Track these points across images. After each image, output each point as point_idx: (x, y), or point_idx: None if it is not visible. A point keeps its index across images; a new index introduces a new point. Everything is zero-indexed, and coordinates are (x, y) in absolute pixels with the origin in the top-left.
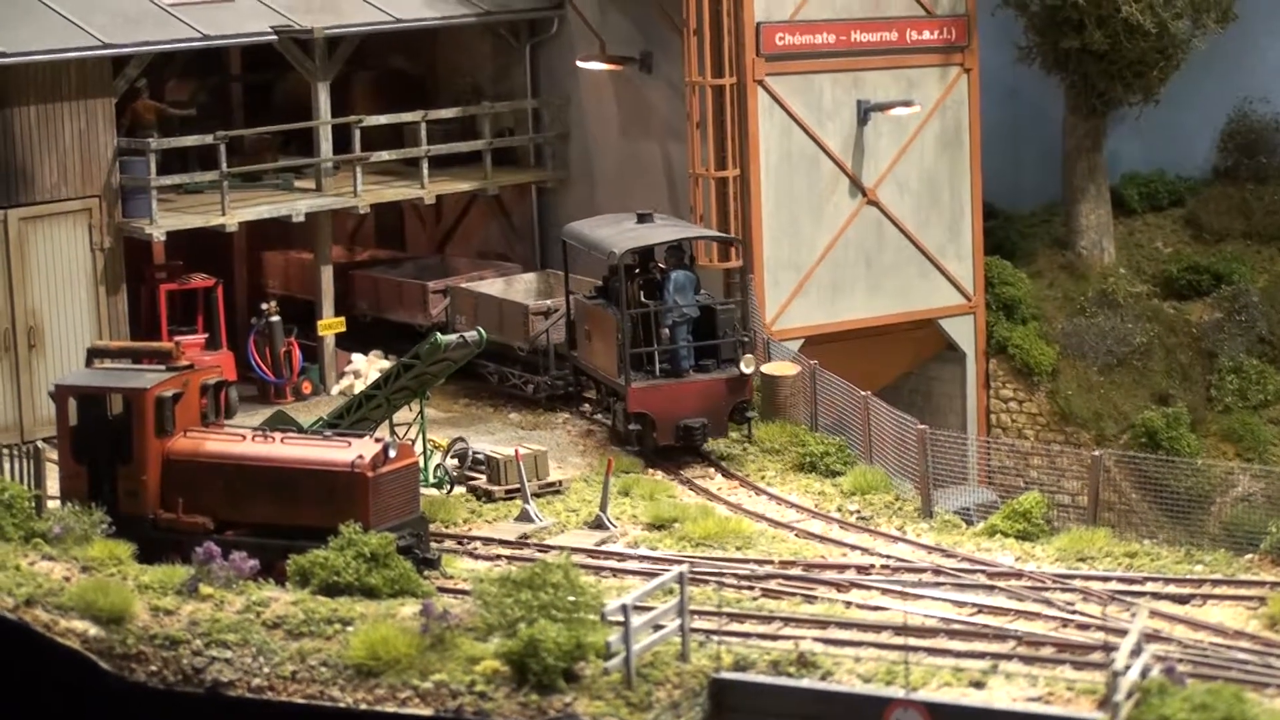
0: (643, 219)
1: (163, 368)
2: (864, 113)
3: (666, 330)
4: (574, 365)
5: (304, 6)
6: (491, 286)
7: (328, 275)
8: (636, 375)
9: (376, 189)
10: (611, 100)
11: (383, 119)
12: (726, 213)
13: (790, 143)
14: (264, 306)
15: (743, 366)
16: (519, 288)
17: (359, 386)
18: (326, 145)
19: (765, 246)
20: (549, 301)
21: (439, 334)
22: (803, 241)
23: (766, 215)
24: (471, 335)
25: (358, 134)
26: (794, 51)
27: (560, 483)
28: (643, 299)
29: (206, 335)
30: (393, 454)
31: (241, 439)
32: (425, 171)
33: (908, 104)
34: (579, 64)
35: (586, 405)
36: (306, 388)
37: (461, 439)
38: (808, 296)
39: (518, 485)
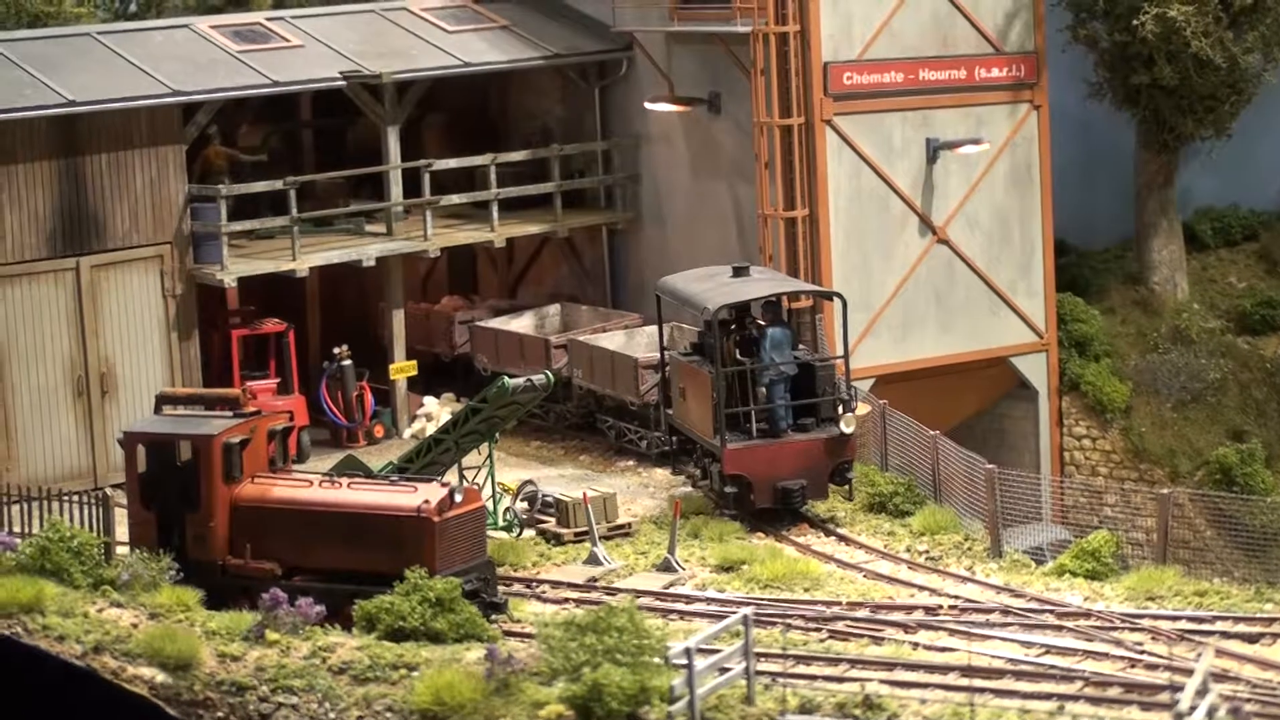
0: (738, 272)
1: (230, 414)
2: (933, 151)
3: (763, 389)
4: (669, 424)
5: (374, 52)
6: (611, 340)
7: (399, 319)
8: (732, 435)
9: (447, 232)
10: (681, 141)
11: (453, 162)
12: (795, 253)
13: (859, 182)
14: (336, 351)
15: (843, 426)
16: (639, 340)
17: (431, 429)
18: (397, 189)
19: (836, 286)
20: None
21: (506, 378)
22: (873, 281)
23: (836, 255)
24: (539, 379)
25: (427, 178)
26: (862, 91)
27: (629, 525)
28: (739, 356)
29: (279, 380)
30: (459, 498)
31: (308, 484)
32: (495, 214)
33: (977, 142)
34: (647, 105)
35: (693, 467)
36: (379, 431)
37: (530, 482)
38: (878, 336)
39: (586, 528)
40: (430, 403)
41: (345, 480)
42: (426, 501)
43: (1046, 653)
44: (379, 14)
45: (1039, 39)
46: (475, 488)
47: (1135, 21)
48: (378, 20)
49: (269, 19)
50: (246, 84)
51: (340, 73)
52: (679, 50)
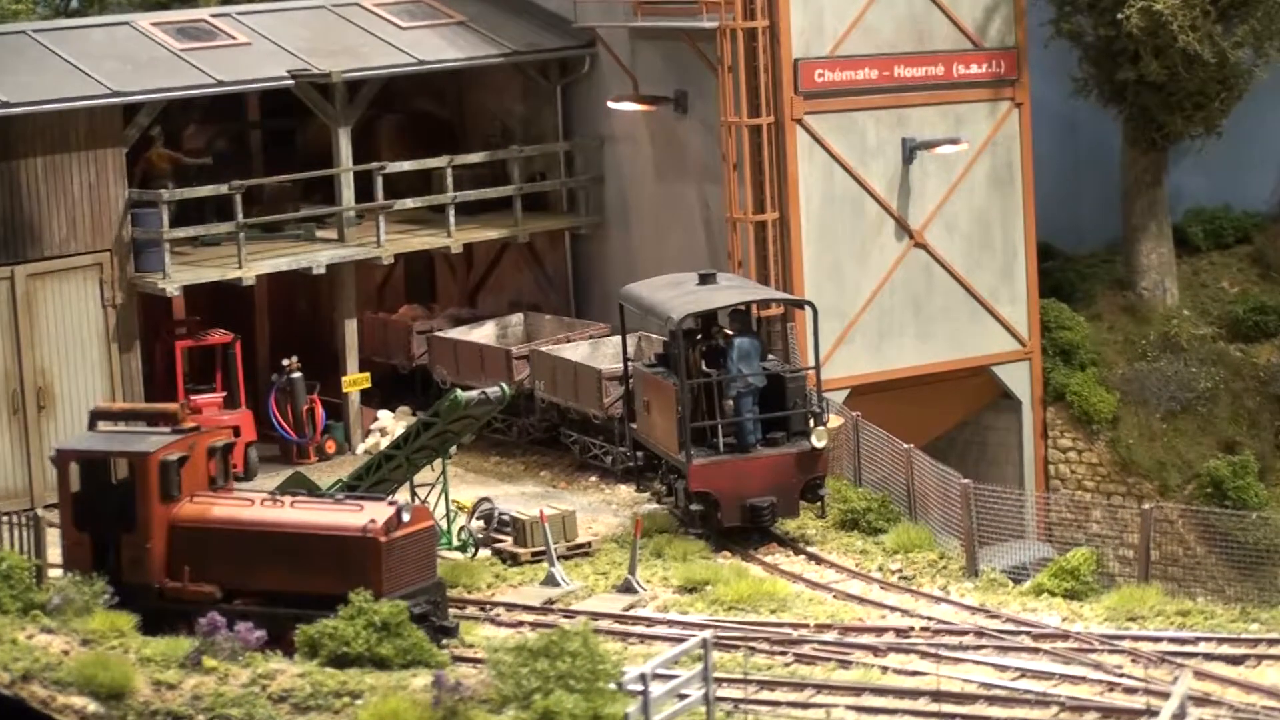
0: (705, 280)
1: (168, 430)
2: (909, 151)
3: (730, 401)
4: (633, 439)
5: (324, 49)
6: (575, 351)
7: (352, 329)
8: (698, 451)
9: (402, 238)
10: (646, 142)
11: (407, 165)
12: (766, 258)
13: (832, 184)
14: (285, 363)
15: (814, 440)
16: (605, 351)
17: (383, 446)
18: (348, 193)
19: (807, 293)
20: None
21: (459, 390)
22: (847, 287)
23: (808, 260)
24: (494, 391)
25: (381, 181)
26: (834, 88)
27: (590, 544)
28: (705, 368)
29: (225, 393)
30: (407, 517)
31: (250, 503)
32: (452, 219)
33: (955, 141)
34: (611, 105)
35: (658, 484)
36: (330, 447)
37: (487, 499)
38: (853, 345)
39: (544, 548)
40: (385, 417)
41: (288, 499)
42: (373, 520)
43: (1021, 676)
44: (330, 10)
45: (1020, 34)
46: (425, 506)
47: (1120, 15)
48: (328, 16)
49: (214, 15)
50: (190, 84)
51: (289, 71)
52: (643, 47)
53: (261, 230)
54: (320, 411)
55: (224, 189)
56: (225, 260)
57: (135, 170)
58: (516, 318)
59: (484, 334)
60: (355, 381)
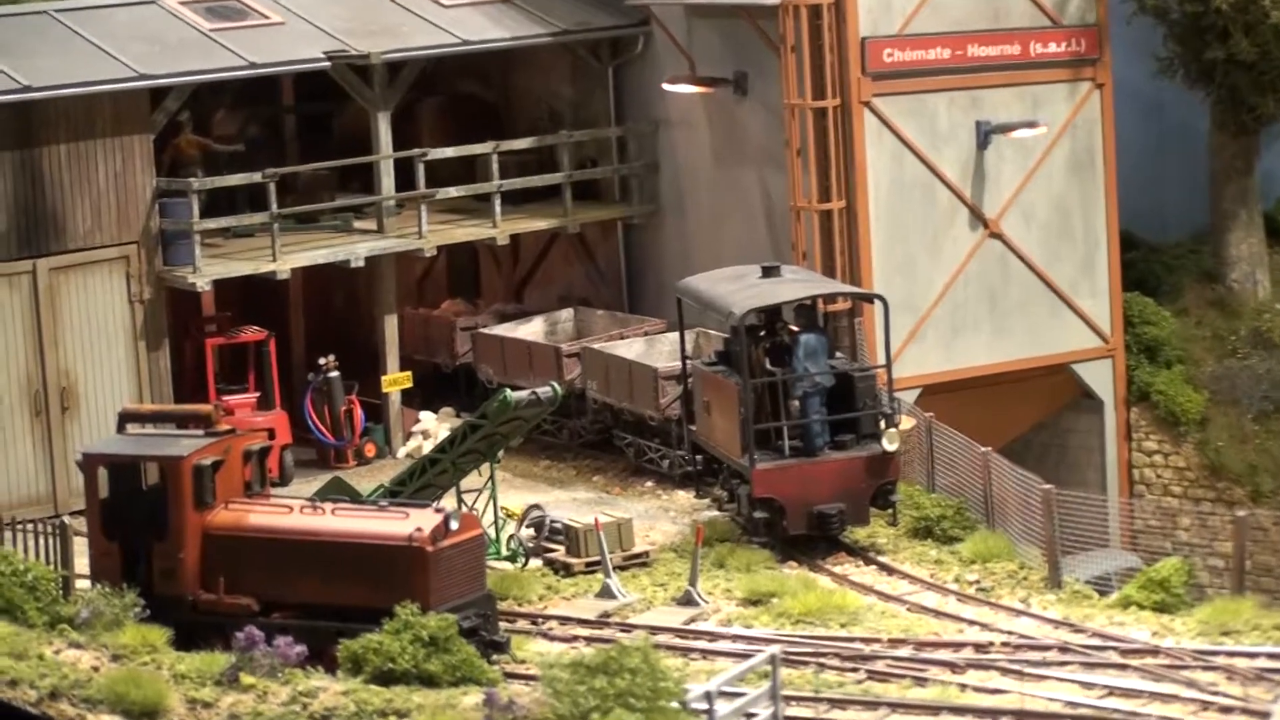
0: (768, 272)
1: (202, 433)
2: (984, 135)
3: (796, 402)
4: (693, 442)
5: (363, 29)
6: (629, 348)
7: (392, 325)
8: (762, 454)
9: (444, 229)
10: (704, 126)
11: (450, 151)
12: (832, 250)
13: (902, 170)
14: (321, 361)
15: (885, 443)
16: (661, 349)
17: (427, 448)
18: (388, 181)
19: (876, 286)
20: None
21: (507, 391)
22: (918, 280)
23: (877, 251)
24: (544, 391)
25: (422, 168)
26: (904, 69)
27: (647, 554)
28: (769, 366)
29: (258, 394)
30: (455, 525)
31: (289, 511)
32: (498, 209)
33: (1033, 124)
34: (666, 87)
35: (719, 489)
36: (370, 450)
37: (537, 506)
38: (924, 341)
39: (599, 557)
40: (427, 418)
41: (329, 506)
42: (419, 529)
43: (1109, 695)
44: None
45: (1101, 10)
46: (474, 513)
47: None
48: None
49: None
50: (221, 66)
51: (325, 53)
52: (701, 25)
53: (296, 221)
54: (359, 413)
55: (257, 177)
56: (258, 253)
57: (163, 158)
58: (566, 313)
59: (532, 330)
60: (396, 381)
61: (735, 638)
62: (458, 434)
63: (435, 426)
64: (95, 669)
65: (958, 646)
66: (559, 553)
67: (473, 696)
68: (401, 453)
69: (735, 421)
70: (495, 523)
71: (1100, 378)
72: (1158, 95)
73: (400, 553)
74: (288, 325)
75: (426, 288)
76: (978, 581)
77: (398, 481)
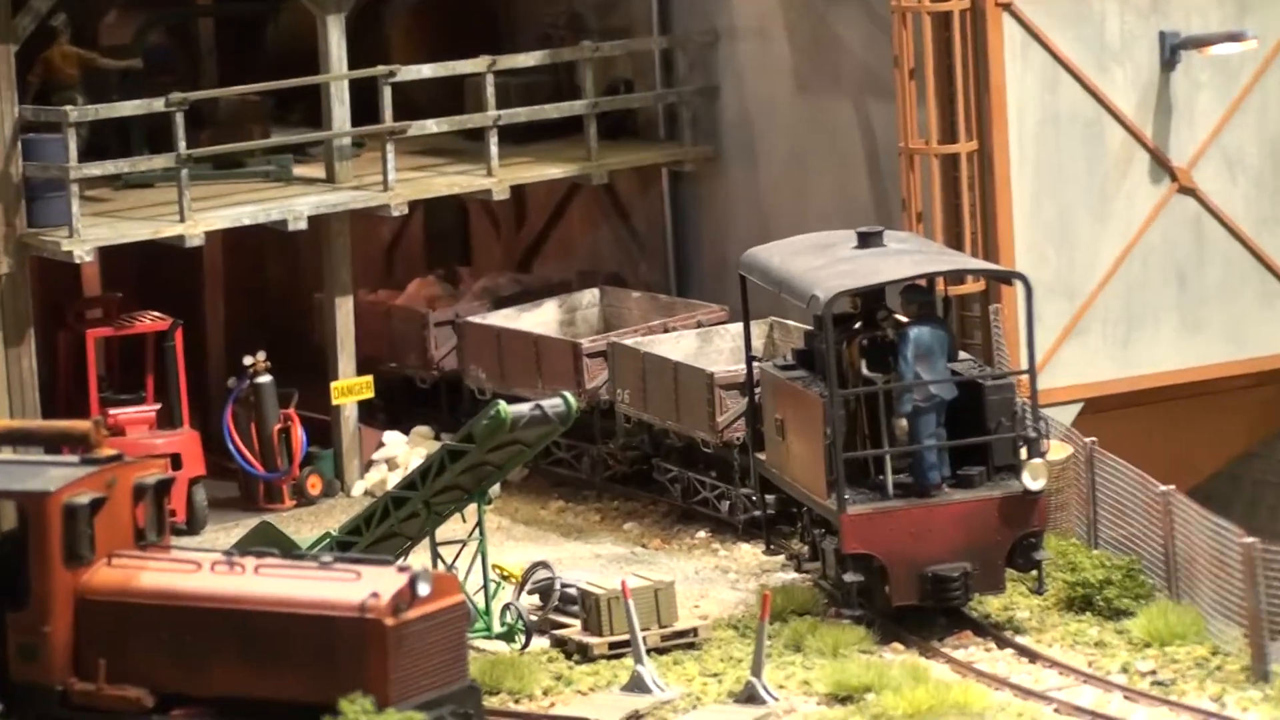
0: (867, 241)
1: (77, 459)
2: (1171, 51)
3: (904, 421)
4: (760, 475)
5: None
6: (676, 344)
7: (345, 311)
8: (857, 494)
9: (420, 179)
10: (781, 38)
11: (428, 70)
12: (958, 208)
13: (1056, 100)
14: (248, 362)
15: (1028, 479)
16: (719, 346)
17: (394, 483)
18: (342, 111)
19: (1019, 261)
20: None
21: (502, 404)
22: (1079, 252)
23: (1020, 212)
24: (554, 405)
25: (389, 93)
26: None
27: (695, 632)
28: (866, 370)
29: (159, 406)
30: (425, 590)
31: (196, 568)
32: (495, 150)
33: (1238, 37)
34: None
35: (797, 542)
36: (314, 485)
37: (544, 564)
38: (1086, 338)
39: (628, 636)
40: (393, 441)
41: (253, 562)
42: (375, 595)
43: None
44: None
45: None
46: (454, 573)
47: None
48: None
49: None
50: None
51: None
52: None
53: (214, 166)
54: (299, 433)
55: (159, 105)
56: (160, 210)
57: (29, 78)
58: (589, 295)
59: (541, 319)
60: (350, 389)
61: None
62: (434, 463)
63: (405, 453)
64: None
65: None
66: (573, 629)
67: None
68: (358, 489)
69: (819, 448)
70: (484, 587)
71: None
72: None
73: (349, 627)
74: (201, 311)
75: (396, 259)
76: (1153, 673)
77: (350, 529)
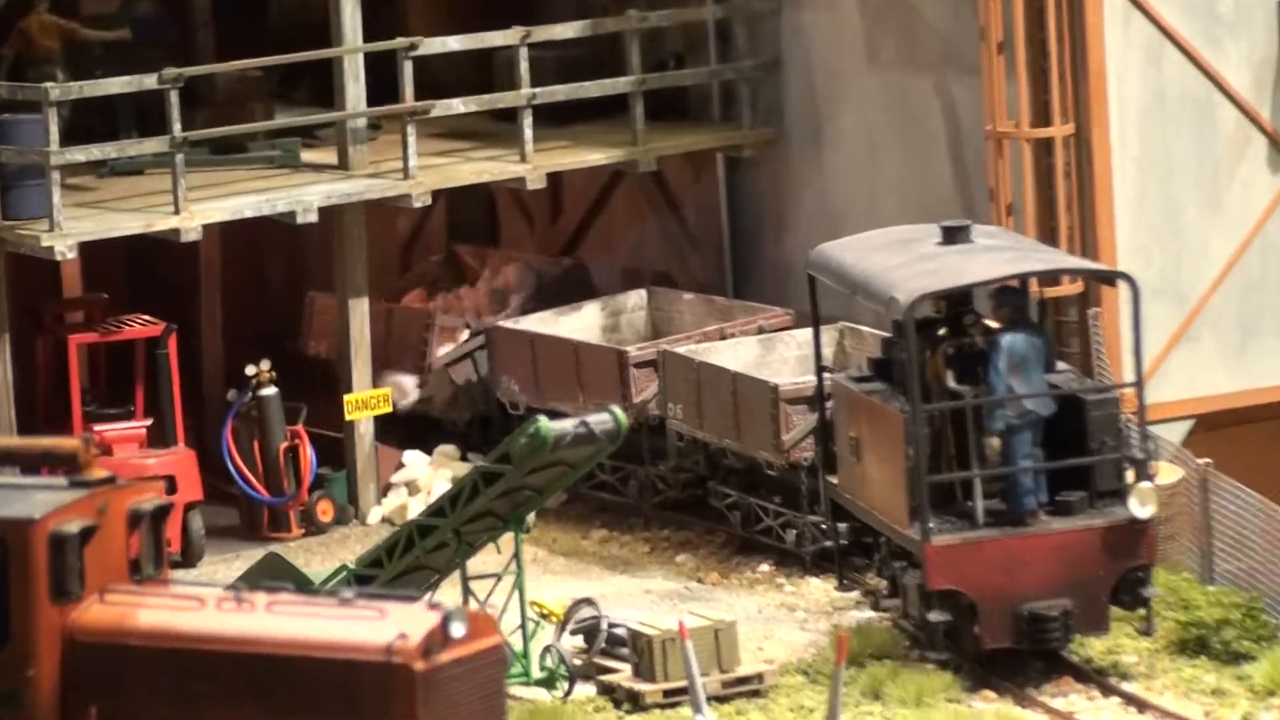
0: (952, 236)
1: (64, 482)
2: None
3: (996, 439)
4: (832, 501)
5: None
6: (734, 353)
7: (360, 315)
8: (942, 522)
9: (445, 165)
10: (852, 5)
11: (455, 43)
12: (1053, 199)
13: (1162, 77)
14: (251, 372)
15: (1135, 505)
16: (783, 354)
17: (416, 511)
18: (356, 89)
19: (1122, 259)
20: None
21: (542, 420)
22: (1188, 249)
23: (1123, 203)
24: (602, 421)
25: (410, 69)
26: None
27: (760, 677)
28: (953, 383)
29: (149, 421)
30: (459, 630)
31: (199, 605)
32: (529, 133)
33: None
34: None
35: (874, 576)
36: (324, 512)
37: (589, 602)
38: (1197, 344)
39: (685, 683)
40: (415, 462)
41: (263, 598)
42: (403, 635)
43: None
44: None
45: None
46: (489, 612)
47: None
48: None
49: None
50: None
51: None
52: None
53: (212, 151)
54: (308, 453)
55: (150, 81)
56: (152, 201)
57: (3, 51)
58: (636, 297)
59: (581, 324)
60: (366, 403)
61: None
62: (464, 487)
63: (427, 475)
64: None
65: None
66: (622, 674)
67: None
68: (374, 516)
69: (899, 470)
70: (522, 627)
71: None
72: None
73: (374, 672)
74: (197, 315)
75: (415, 255)
76: None
77: (370, 561)
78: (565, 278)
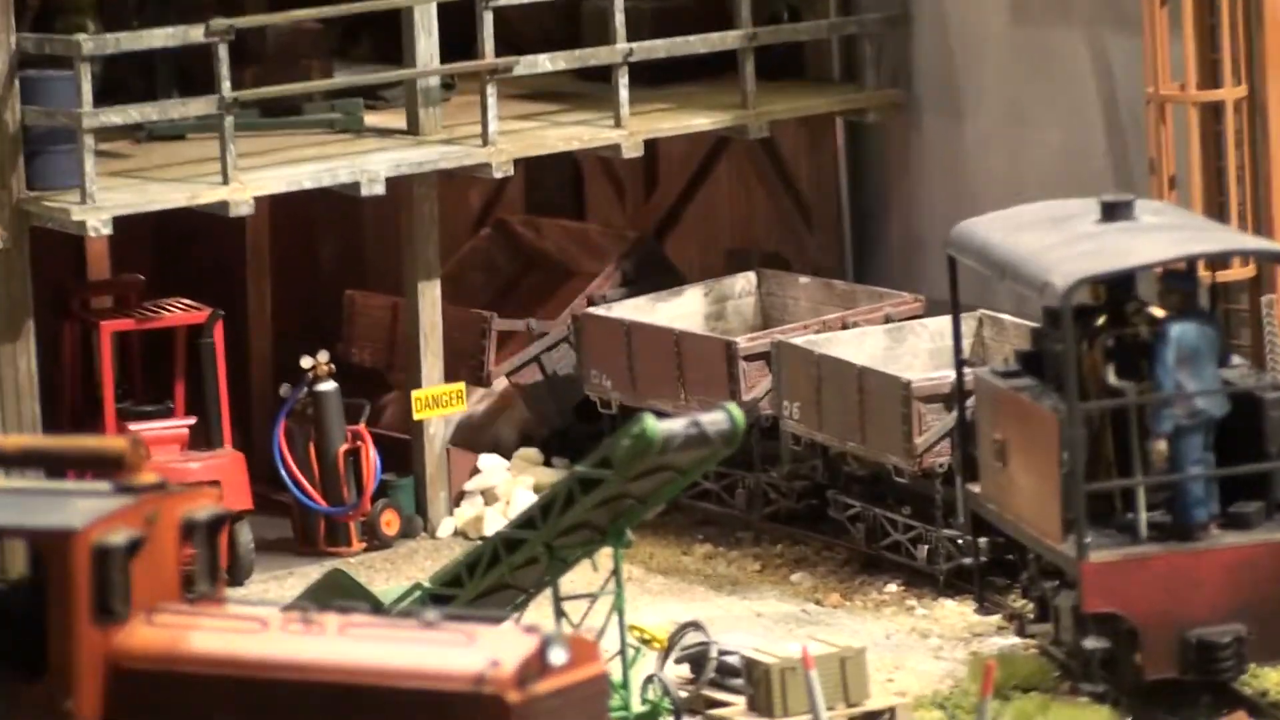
0: (1112, 213)
1: (109, 487)
2: None
3: (1163, 442)
4: (972, 512)
5: None
6: (859, 344)
7: (431, 300)
8: (1100, 537)
9: (528, 130)
10: None
11: None
12: (1222, 169)
13: None
14: (307, 364)
15: None
16: (915, 346)
17: (493, 522)
18: (429, 44)
19: None
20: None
21: (649, 419)
22: None
23: None
24: (715, 420)
25: (490, 20)
26: None
27: (892, 712)
28: (1112, 379)
29: (193, 420)
30: (559, 658)
31: (262, 627)
32: (624, 95)
33: None
34: None
35: (1020, 598)
36: (389, 523)
37: (695, 625)
38: None
39: (807, 716)
40: (492, 467)
41: (333, 620)
42: (495, 663)
43: None
44: None
45: None
46: (589, 636)
47: None
48: None
49: None
50: None
51: None
52: None
53: (263, 113)
54: (371, 456)
55: (195, 34)
56: (196, 169)
57: (27, 1)
58: (744, 281)
59: (682, 311)
60: (438, 400)
61: None
62: (558, 495)
63: (506, 482)
64: None
65: None
66: (735, 708)
67: None
68: (446, 528)
69: (1052, 477)
70: (622, 653)
71: None
72: None
73: (463, 704)
74: (244, 299)
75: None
76: None
77: (448, 579)
78: (638, 257)
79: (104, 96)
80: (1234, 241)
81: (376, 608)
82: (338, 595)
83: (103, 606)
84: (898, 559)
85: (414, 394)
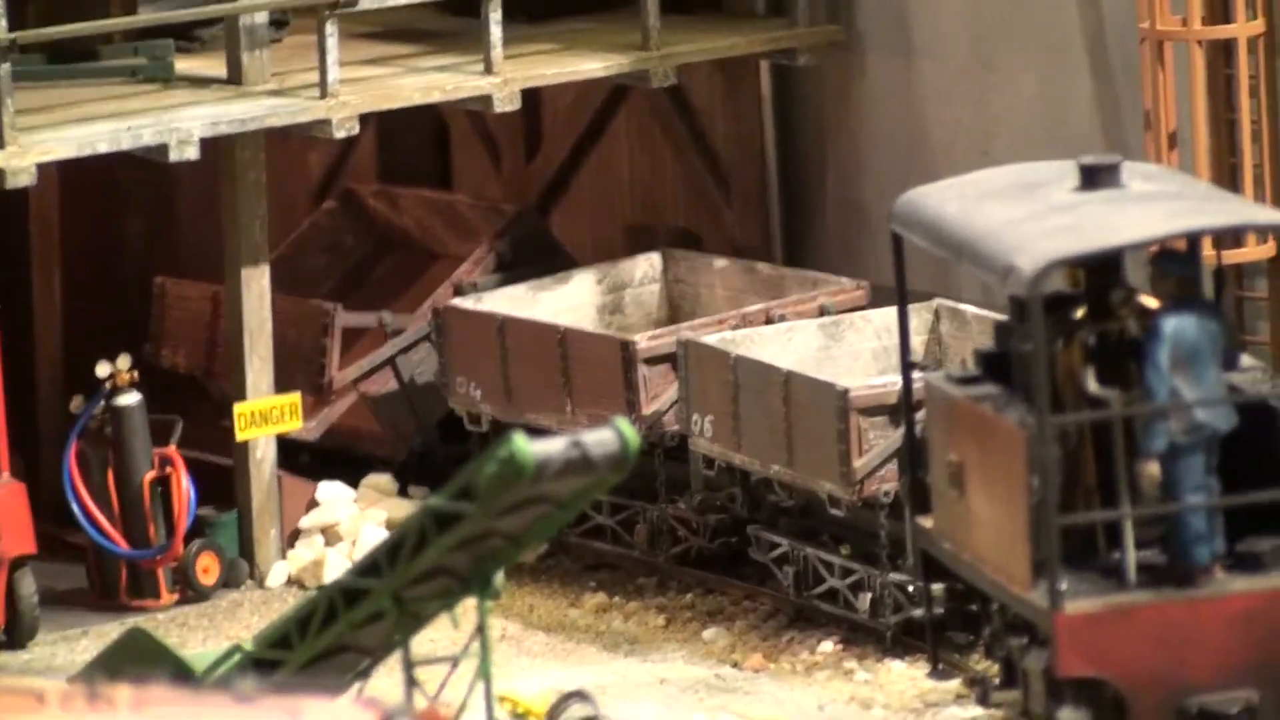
0: (1094, 178)
1: None
2: None
3: (1154, 464)
4: (921, 551)
5: None
6: (786, 342)
7: (258, 291)
8: (1079, 582)
9: (378, 78)
10: None
11: None
12: (1233, 122)
13: None
14: (103, 371)
15: None
16: (856, 346)
17: (335, 567)
18: None
19: None
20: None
21: (518, 438)
22: None
23: None
24: (601, 440)
25: None
26: None
27: None
28: (1093, 385)
29: None
30: None
31: (38, 704)
32: (496, 35)
33: None
34: None
35: (981, 657)
36: (207, 570)
37: (581, 695)
38: None
39: None
40: (334, 499)
41: (127, 694)
42: None
43: None
44: None
45: None
46: (447, 710)
47: None
48: None
49: None
50: None
51: None
52: None
53: (49, 60)
54: (185, 486)
55: None
56: None
57: None
58: (645, 265)
59: (569, 302)
60: (266, 415)
61: None
62: (408, 535)
63: (352, 517)
64: None
65: None
66: None
67: None
68: (277, 576)
69: (1019, 509)
70: None
71: None
72: None
73: None
74: (28, 291)
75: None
76: None
77: (274, 639)
78: (516, 235)
79: None
80: (1247, 214)
81: (184, 676)
82: (137, 661)
83: None
84: (834, 610)
85: (237, 407)
